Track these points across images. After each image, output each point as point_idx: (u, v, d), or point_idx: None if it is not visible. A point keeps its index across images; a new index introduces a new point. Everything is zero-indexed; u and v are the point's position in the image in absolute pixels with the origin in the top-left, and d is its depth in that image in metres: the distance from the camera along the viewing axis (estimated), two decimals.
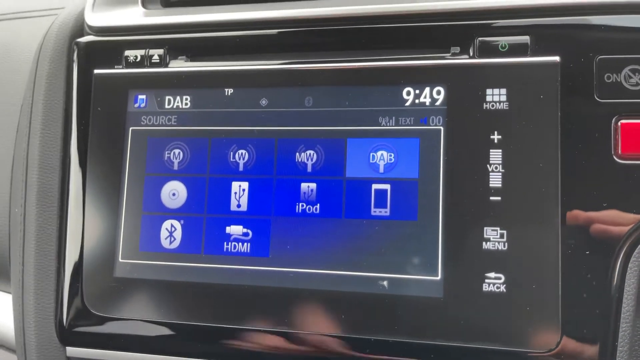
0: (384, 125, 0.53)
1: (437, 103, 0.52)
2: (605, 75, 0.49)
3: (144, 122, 0.59)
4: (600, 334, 0.47)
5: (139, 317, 0.56)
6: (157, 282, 0.56)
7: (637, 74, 0.48)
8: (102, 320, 0.57)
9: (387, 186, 0.53)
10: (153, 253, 0.57)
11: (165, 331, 0.56)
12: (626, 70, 0.48)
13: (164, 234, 0.57)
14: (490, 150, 0.50)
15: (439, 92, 0.52)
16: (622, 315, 0.46)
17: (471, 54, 0.52)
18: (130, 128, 0.59)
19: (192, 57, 0.60)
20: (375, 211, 0.52)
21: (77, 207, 0.60)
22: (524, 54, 0.51)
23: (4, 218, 0.70)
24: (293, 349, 0.52)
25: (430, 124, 0.52)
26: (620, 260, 0.47)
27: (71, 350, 0.59)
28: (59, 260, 0.60)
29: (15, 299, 0.62)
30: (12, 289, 0.63)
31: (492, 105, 0.51)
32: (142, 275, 0.57)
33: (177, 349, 0.56)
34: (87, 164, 0.60)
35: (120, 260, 0.57)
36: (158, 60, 0.59)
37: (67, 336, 0.59)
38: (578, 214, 0.48)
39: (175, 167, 0.58)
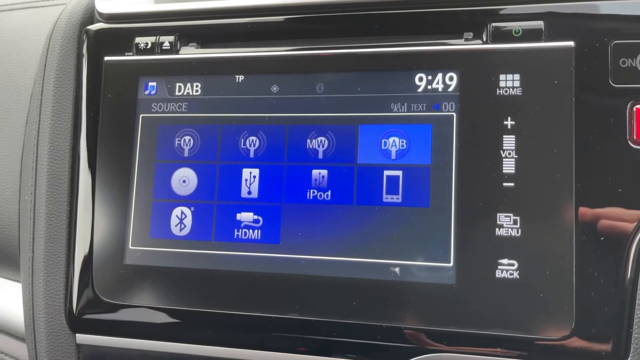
0: (395, 112, 0.53)
1: (450, 89, 0.52)
2: (621, 60, 0.48)
3: (154, 109, 0.59)
4: (614, 320, 0.46)
5: (149, 304, 0.56)
6: (167, 269, 0.56)
7: None
8: (112, 307, 0.57)
9: (399, 172, 0.52)
10: (163, 240, 0.57)
11: (175, 318, 0.55)
12: None
13: (174, 221, 0.57)
14: (504, 136, 0.50)
15: (451, 78, 0.52)
16: (637, 301, 0.46)
17: (484, 39, 0.52)
18: (141, 115, 0.59)
19: (203, 44, 0.59)
20: (387, 198, 0.52)
21: (87, 194, 0.60)
22: (538, 40, 0.50)
23: (13, 206, 0.70)
24: (304, 335, 0.52)
25: (443, 110, 0.52)
26: (635, 246, 0.47)
27: (81, 337, 0.59)
28: (68, 247, 0.60)
29: (25, 286, 0.62)
30: (21, 277, 0.63)
31: (506, 91, 0.50)
32: (152, 262, 0.57)
33: (186, 336, 0.55)
34: (97, 151, 0.60)
35: (130, 247, 0.57)
36: (169, 47, 0.59)
37: (77, 323, 0.59)
38: (592, 200, 0.48)
39: (186, 154, 0.58)
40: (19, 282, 0.67)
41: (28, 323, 0.61)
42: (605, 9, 0.50)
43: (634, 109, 0.48)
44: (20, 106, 0.72)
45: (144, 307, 0.56)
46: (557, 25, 0.50)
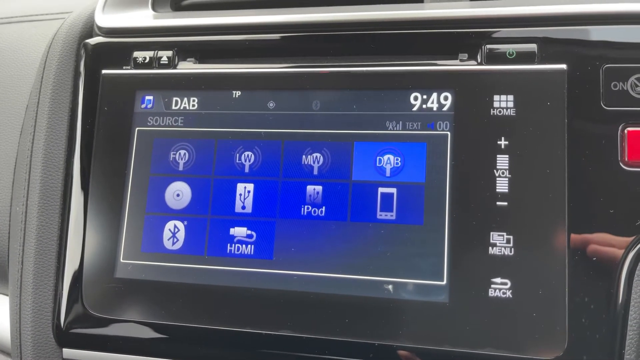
0: (391, 130, 0.54)
1: (445, 108, 0.53)
2: (612, 84, 0.49)
3: (150, 122, 0.59)
4: (607, 341, 0.46)
5: (139, 318, 0.55)
6: (159, 284, 0.55)
7: None
8: (101, 322, 0.56)
9: (393, 190, 0.53)
10: (155, 254, 0.56)
11: (166, 334, 0.55)
12: (632, 79, 0.49)
13: (166, 234, 0.56)
14: (497, 156, 0.51)
15: (446, 98, 0.53)
16: (629, 322, 0.46)
17: (479, 60, 0.53)
18: (137, 128, 0.59)
19: (201, 60, 0.60)
20: (381, 215, 0.52)
21: (79, 206, 0.59)
22: (531, 62, 0.51)
23: (3, 218, 0.69)
24: (296, 352, 0.52)
25: (438, 129, 0.53)
26: (626, 267, 0.47)
27: (68, 352, 0.58)
28: (58, 259, 0.59)
29: (12, 299, 0.61)
30: (9, 289, 0.62)
31: (500, 112, 0.51)
32: (143, 276, 0.56)
33: (177, 352, 0.55)
34: (91, 163, 0.59)
35: (121, 260, 0.57)
36: (167, 62, 0.60)
37: (64, 337, 0.58)
38: (585, 220, 0.48)
39: (181, 167, 0.58)
40: (7, 295, 0.66)
41: (14, 337, 0.60)
42: (597, 33, 0.51)
43: (625, 131, 0.49)
44: (15, 117, 0.72)
45: (134, 322, 0.55)
46: (550, 48, 0.51)
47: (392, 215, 0.52)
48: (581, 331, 0.47)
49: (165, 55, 0.60)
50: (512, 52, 0.52)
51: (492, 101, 0.51)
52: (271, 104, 0.56)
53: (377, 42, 0.56)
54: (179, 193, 0.57)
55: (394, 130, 0.53)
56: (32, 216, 0.60)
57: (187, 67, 0.60)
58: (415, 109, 0.53)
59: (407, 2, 0.57)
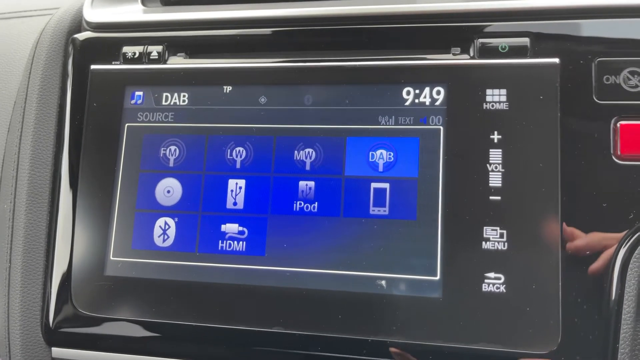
0: (383, 125, 0.53)
1: (437, 103, 0.52)
2: (604, 77, 0.49)
3: (140, 118, 0.58)
4: (600, 335, 0.46)
5: (129, 317, 0.55)
6: (149, 281, 0.55)
7: (635, 76, 0.49)
8: (91, 320, 0.56)
9: (386, 185, 0.52)
10: (146, 251, 0.56)
11: (157, 331, 0.54)
12: (625, 72, 0.49)
13: (157, 231, 0.56)
14: (490, 150, 0.50)
15: (438, 92, 0.53)
16: (622, 316, 0.46)
17: (471, 54, 0.53)
18: (126, 124, 0.58)
19: (191, 55, 0.59)
20: (374, 210, 0.52)
21: (68, 203, 0.58)
22: (524, 56, 0.51)
23: None
24: (289, 349, 0.51)
25: (430, 123, 0.52)
26: (620, 261, 0.47)
27: (57, 351, 0.57)
28: (47, 257, 0.59)
29: (0, 298, 0.60)
30: None
31: (492, 106, 0.51)
32: (133, 273, 0.55)
33: (168, 350, 0.54)
34: (80, 160, 0.59)
35: (111, 258, 0.56)
36: (157, 57, 0.59)
37: (53, 336, 0.57)
38: (578, 214, 0.48)
39: (171, 164, 0.57)
40: None
41: (2, 336, 0.59)
42: (589, 27, 0.51)
43: (618, 125, 0.48)
44: (3, 114, 0.71)
45: (124, 320, 0.55)
46: (543, 42, 0.51)
47: (385, 211, 0.52)
48: (575, 325, 0.47)
49: (155, 50, 0.59)
50: (505, 46, 0.52)
51: (485, 95, 0.51)
52: (263, 99, 0.56)
53: (369, 37, 0.55)
54: (169, 189, 0.57)
55: (386, 125, 0.53)
56: (20, 214, 0.59)
57: (177, 62, 0.59)
58: (407, 103, 0.53)
59: None
